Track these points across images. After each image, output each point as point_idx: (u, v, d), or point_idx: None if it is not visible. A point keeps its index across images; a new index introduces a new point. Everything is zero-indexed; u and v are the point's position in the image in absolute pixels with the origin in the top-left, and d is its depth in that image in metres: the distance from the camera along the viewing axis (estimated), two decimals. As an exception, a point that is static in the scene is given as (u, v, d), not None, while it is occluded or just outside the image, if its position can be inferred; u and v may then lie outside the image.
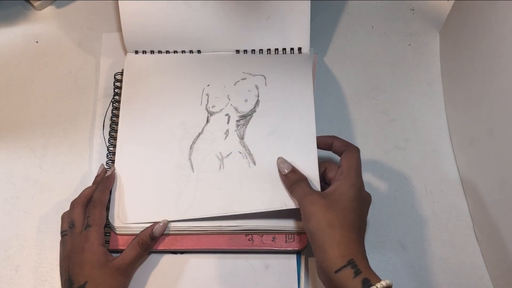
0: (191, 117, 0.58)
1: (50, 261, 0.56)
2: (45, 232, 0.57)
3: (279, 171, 0.53)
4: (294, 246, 0.53)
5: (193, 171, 0.55)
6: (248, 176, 0.54)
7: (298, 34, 0.62)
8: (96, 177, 0.57)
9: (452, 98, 0.62)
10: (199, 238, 0.54)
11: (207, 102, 0.59)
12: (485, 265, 0.55)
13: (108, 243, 0.53)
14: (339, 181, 0.50)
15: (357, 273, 0.43)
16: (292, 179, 0.52)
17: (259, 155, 0.55)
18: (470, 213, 0.58)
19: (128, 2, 0.61)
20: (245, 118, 0.57)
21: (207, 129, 0.57)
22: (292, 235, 0.54)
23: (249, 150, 0.56)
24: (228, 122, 0.57)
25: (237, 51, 0.63)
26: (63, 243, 0.52)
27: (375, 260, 0.55)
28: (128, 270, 0.51)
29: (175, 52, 0.63)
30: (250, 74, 0.60)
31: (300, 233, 0.54)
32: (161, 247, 0.54)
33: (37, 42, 0.68)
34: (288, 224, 0.53)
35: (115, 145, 0.58)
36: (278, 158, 0.54)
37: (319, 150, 0.55)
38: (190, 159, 0.56)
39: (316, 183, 0.52)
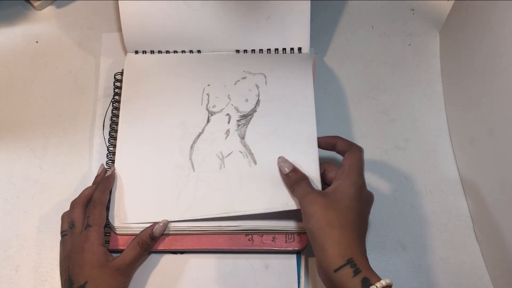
0: (192, 117, 0.58)
1: (50, 261, 0.56)
2: (45, 232, 0.57)
3: (280, 170, 0.53)
4: (294, 246, 0.53)
5: (193, 171, 0.55)
6: (249, 175, 0.54)
7: (298, 34, 0.62)
8: (96, 177, 0.57)
9: (452, 98, 0.62)
10: (199, 238, 0.54)
11: (208, 102, 0.59)
12: (485, 265, 0.55)
13: (108, 243, 0.53)
14: (340, 179, 0.49)
15: (356, 272, 0.43)
16: (293, 178, 0.52)
17: (260, 154, 0.55)
18: (470, 213, 0.58)
19: (128, 2, 0.61)
20: (246, 118, 0.57)
21: (208, 129, 0.57)
22: (292, 235, 0.54)
23: (250, 150, 0.56)
24: (229, 122, 0.57)
25: (237, 51, 0.63)
26: (63, 243, 0.52)
27: (375, 260, 0.55)
28: (128, 270, 0.51)
29: (175, 52, 0.63)
30: (250, 73, 0.60)
31: (300, 233, 0.54)
32: (161, 247, 0.54)
33: (37, 42, 0.68)
34: (288, 224, 0.53)
35: (115, 145, 0.58)
36: (279, 158, 0.54)
37: (322, 150, 0.55)
38: (190, 158, 0.56)
39: (317, 182, 0.52)
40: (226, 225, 0.53)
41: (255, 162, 0.55)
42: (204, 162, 0.55)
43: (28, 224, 0.57)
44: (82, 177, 0.60)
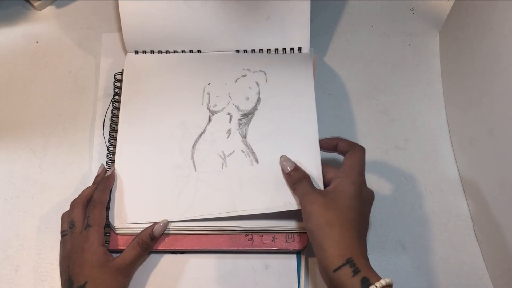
0: (192, 117, 0.58)
1: (50, 261, 0.56)
2: (45, 232, 0.57)
3: (282, 169, 0.53)
4: (294, 246, 0.53)
5: (195, 170, 0.55)
6: (251, 174, 0.54)
7: (298, 34, 0.62)
8: (96, 177, 0.57)
9: (452, 98, 0.62)
10: (199, 238, 0.54)
11: (209, 101, 0.59)
12: (485, 265, 0.55)
13: (108, 243, 0.53)
14: (339, 178, 0.49)
15: (355, 272, 0.43)
16: (295, 177, 0.52)
17: (261, 153, 0.55)
18: (470, 213, 0.58)
19: (128, 2, 0.61)
20: (247, 116, 0.57)
21: (210, 128, 0.57)
22: (292, 235, 0.54)
23: (251, 149, 0.56)
24: (230, 121, 0.57)
25: (237, 51, 0.63)
26: (63, 243, 0.52)
27: (375, 260, 0.55)
28: (128, 270, 0.51)
29: (175, 52, 0.63)
30: (250, 71, 0.60)
31: (300, 233, 0.54)
32: (161, 247, 0.54)
33: (37, 42, 0.68)
34: (288, 224, 0.53)
35: (115, 145, 0.58)
36: (281, 156, 0.54)
37: (323, 152, 0.55)
38: (192, 158, 0.56)
39: (319, 181, 0.52)
40: (226, 225, 0.53)
41: (257, 161, 0.55)
42: (205, 162, 0.55)
43: (28, 224, 0.57)
44: (82, 177, 0.60)
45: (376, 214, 0.57)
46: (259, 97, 0.58)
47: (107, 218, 0.54)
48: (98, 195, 0.53)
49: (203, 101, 0.59)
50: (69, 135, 0.62)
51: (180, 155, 0.56)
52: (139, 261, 0.53)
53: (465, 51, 0.59)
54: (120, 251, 0.52)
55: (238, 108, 0.58)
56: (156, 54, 0.63)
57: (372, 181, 0.59)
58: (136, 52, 0.63)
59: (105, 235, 0.52)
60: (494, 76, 0.51)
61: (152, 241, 0.52)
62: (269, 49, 0.63)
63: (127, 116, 0.58)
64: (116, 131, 0.58)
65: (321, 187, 0.52)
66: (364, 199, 0.49)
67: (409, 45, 0.68)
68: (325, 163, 0.54)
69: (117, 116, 0.59)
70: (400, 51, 0.67)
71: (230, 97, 0.59)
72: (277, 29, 0.62)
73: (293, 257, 0.54)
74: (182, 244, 0.54)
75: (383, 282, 0.42)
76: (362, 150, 0.52)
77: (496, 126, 0.51)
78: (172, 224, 0.53)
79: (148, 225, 0.53)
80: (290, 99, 0.58)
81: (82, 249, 0.50)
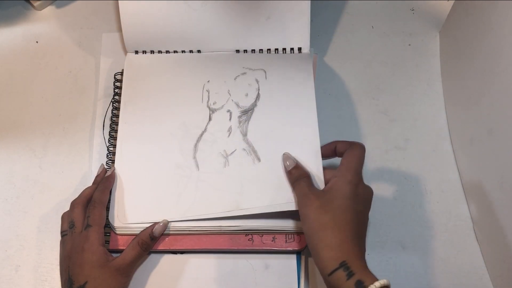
0: (192, 117, 0.58)
1: (50, 261, 0.56)
2: (45, 232, 0.57)
3: (284, 167, 0.53)
4: (294, 246, 0.53)
5: (198, 170, 0.55)
6: (252, 173, 0.54)
7: (298, 34, 0.62)
8: (96, 177, 0.57)
9: (452, 98, 0.62)
10: (199, 238, 0.54)
11: (208, 98, 0.59)
12: (485, 265, 0.55)
13: (108, 243, 0.53)
14: (336, 177, 0.49)
15: (349, 275, 0.43)
16: (295, 175, 0.51)
17: (263, 151, 0.55)
18: (470, 213, 0.58)
19: (128, 2, 0.61)
20: (247, 113, 0.57)
21: (210, 127, 0.57)
22: (292, 235, 0.54)
23: (253, 147, 0.56)
24: (230, 119, 0.57)
25: (237, 51, 0.63)
26: (63, 243, 0.52)
27: (375, 260, 0.55)
28: (128, 270, 0.51)
29: (175, 52, 0.63)
30: (250, 69, 0.60)
31: (300, 233, 0.54)
32: (161, 247, 0.54)
33: (37, 42, 0.68)
34: (288, 224, 0.53)
35: (115, 145, 0.58)
36: (284, 154, 0.54)
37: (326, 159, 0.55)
38: (195, 157, 0.56)
39: (319, 181, 0.52)
40: (226, 225, 0.53)
41: (258, 160, 0.55)
42: (208, 160, 0.55)
43: (28, 224, 0.57)
44: (82, 177, 0.60)
45: (376, 214, 0.57)
46: (258, 93, 0.58)
47: (107, 218, 0.54)
48: (98, 195, 0.53)
49: (202, 99, 0.59)
50: (69, 135, 0.62)
51: (181, 155, 0.56)
52: (139, 261, 0.53)
53: (465, 51, 0.59)
54: (120, 251, 0.52)
55: (237, 105, 0.58)
56: (156, 54, 0.63)
57: (372, 181, 0.59)
58: (136, 52, 0.63)
59: (105, 235, 0.52)
60: (494, 76, 0.51)
61: (152, 241, 0.52)
62: (269, 49, 0.63)
63: (127, 116, 0.58)
64: (116, 131, 0.58)
65: (322, 185, 0.52)
66: (361, 197, 0.48)
67: (409, 45, 0.68)
68: (325, 165, 0.54)
69: (117, 116, 0.59)
70: (400, 51, 0.67)
71: (230, 94, 0.59)
72: (277, 29, 0.62)
73: (293, 257, 0.55)
74: (182, 244, 0.54)
75: (377, 284, 0.41)
76: (360, 147, 0.51)
77: (496, 126, 0.51)
78: (172, 224, 0.53)
79: (148, 225, 0.53)
80: (290, 98, 0.58)
81: (82, 249, 0.50)
